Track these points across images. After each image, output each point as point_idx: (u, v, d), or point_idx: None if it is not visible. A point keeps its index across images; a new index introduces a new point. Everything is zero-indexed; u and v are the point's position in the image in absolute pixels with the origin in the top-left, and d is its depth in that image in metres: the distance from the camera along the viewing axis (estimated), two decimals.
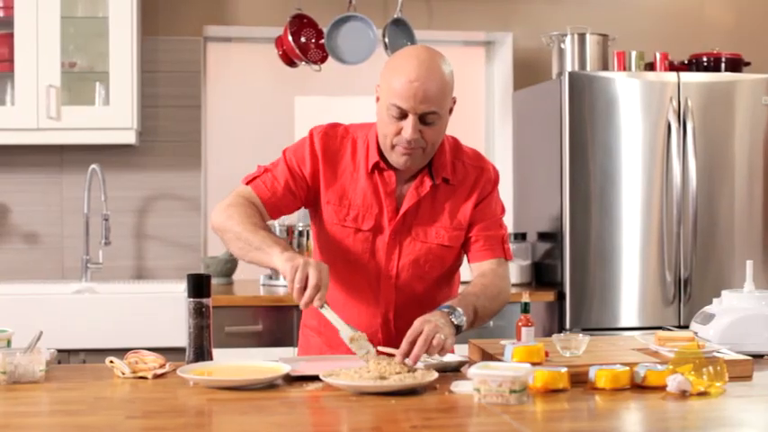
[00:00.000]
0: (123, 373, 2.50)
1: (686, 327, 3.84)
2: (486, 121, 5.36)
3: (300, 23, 4.69)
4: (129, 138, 4.52)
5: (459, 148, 2.78)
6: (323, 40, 4.66)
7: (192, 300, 2.59)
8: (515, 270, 4.62)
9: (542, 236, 4.64)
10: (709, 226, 4.43)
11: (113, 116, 4.50)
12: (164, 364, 2.57)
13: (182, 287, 4.44)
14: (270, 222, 2.93)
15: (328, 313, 2.49)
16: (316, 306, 2.44)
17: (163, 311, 4.15)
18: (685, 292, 4.38)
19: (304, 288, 2.42)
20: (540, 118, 4.63)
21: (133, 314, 4.15)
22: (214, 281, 4.59)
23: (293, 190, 2.71)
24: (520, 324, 2.58)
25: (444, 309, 2.50)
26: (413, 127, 2.55)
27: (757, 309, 2.77)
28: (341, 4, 4.76)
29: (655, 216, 4.38)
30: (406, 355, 2.38)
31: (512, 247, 4.55)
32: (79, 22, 4.58)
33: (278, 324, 4.27)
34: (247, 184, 2.73)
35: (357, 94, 5.50)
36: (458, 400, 2.24)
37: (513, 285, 4.57)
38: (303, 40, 4.70)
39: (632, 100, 4.36)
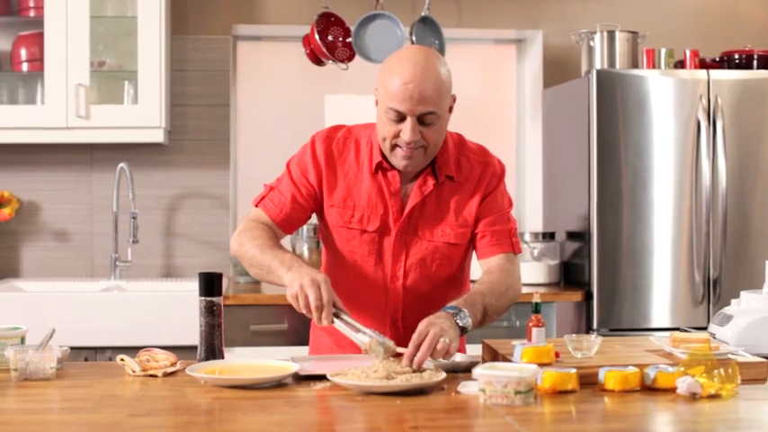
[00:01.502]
0: (134, 372, 2.52)
1: None
2: (517, 119, 5.33)
3: (328, 22, 4.68)
4: (158, 136, 4.55)
5: (464, 145, 2.76)
6: (350, 39, 4.65)
7: (203, 298, 2.60)
8: (543, 270, 4.59)
9: (571, 235, 4.61)
10: (739, 225, 4.37)
11: (142, 115, 4.52)
12: (175, 363, 2.59)
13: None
14: None
15: (340, 327, 2.48)
16: (325, 325, 2.45)
17: (189, 310, 4.12)
18: (714, 292, 4.33)
19: (310, 310, 2.43)
20: (569, 116, 4.60)
21: (160, 312, 4.16)
22: (241, 279, 4.63)
23: (301, 202, 2.73)
24: (530, 324, 2.55)
25: (450, 310, 2.48)
26: (412, 129, 2.54)
27: None
28: (368, 3, 4.75)
29: (684, 215, 4.33)
30: (412, 358, 2.36)
31: (540, 246, 4.62)
32: (108, 21, 4.61)
33: (304, 323, 4.25)
34: (256, 205, 2.76)
35: None
36: (464, 401, 2.22)
37: (540, 285, 4.55)
38: (330, 38, 4.69)
39: (661, 98, 4.31)
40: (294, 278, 2.47)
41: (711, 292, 4.33)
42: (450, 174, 2.69)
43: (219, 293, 2.61)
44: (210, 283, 2.60)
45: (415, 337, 2.38)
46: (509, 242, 2.73)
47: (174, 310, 4.16)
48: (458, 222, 2.69)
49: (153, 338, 3.86)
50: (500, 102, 5.36)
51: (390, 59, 2.61)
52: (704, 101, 4.30)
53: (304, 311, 2.45)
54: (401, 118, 2.54)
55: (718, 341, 2.69)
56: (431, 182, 2.68)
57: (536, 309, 2.57)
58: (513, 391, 2.16)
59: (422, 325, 2.39)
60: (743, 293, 2.81)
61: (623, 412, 2.17)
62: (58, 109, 4.47)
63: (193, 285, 4.54)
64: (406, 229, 2.69)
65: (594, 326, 4.31)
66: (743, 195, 4.37)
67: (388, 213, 2.68)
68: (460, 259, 2.75)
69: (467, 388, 2.29)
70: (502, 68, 5.34)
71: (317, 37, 4.55)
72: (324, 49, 4.58)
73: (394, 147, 2.60)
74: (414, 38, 4.62)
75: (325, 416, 2.12)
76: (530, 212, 5.20)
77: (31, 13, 4.58)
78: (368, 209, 2.69)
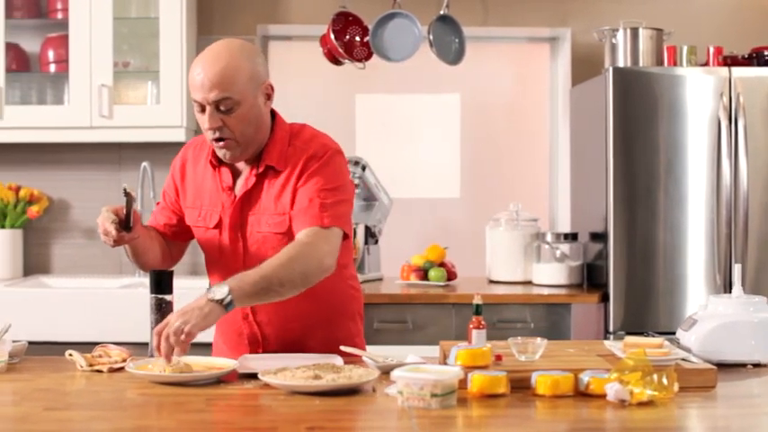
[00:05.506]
0: (81, 367, 2.55)
1: None
2: (550, 117, 5.25)
3: (346, 21, 4.68)
4: (179, 136, 4.60)
5: (298, 135, 2.74)
6: (368, 38, 4.63)
7: (153, 296, 2.63)
8: (564, 271, 4.51)
9: (593, 236, 4.52)
10: (761, 227, 4.23)
11: (164, 114, 4.58)
12: (126, 359, 2.61)
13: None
14: None
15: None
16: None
17: None
18: None
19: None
20: (591, 115, 4.51)
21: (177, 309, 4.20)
22: None
23: (169, 213, 2.88)
24: (471, 326, 2.50)
25: (206, 290, 2.49)
26: (209, 116, 2.59)
27: (742, 315, 2.62)
28: (386, 1, 4.73)
29: (704, 217, 4.21)
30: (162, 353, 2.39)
31: (564, 247, 4.53)
32: (132, 22, 4.68)
33: (429, 320, 4.26)
34: None
35: (418, 91, 5.48)
36: (382, 403, 2.20)
37: (562, 286, 4.47)
38: (348, 37, 4.69)
39: (680, 96, 4.20)
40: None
41: None
42: (271, 164, 2.69)
43: (170, 291, 2.63)
44: (160, 281, 2.63)
45: (157, 329, 2.41)
46: (314, 216, 2.63)
47: None
48: (277, 211, 2.69)
49: None
50: (534, 101, 5.30)
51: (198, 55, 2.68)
52: (725, 99, 4.18)
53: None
54: (202, 108, 2.60)
55: (678, 346, 2.62)
56: (253, 173, 2.70)
57: (477, 310, 2.51)
58: (429, 393, 2.13)
59: (167, 319, 2.43)
60: (710, 297, 2.71)
61: (539, 417, 2.13)
62: (82, 109, 4.56)
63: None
64: (239, 221, 2.72)
65: (611, 328, 4.22)
66: (765, 196, 4.23)
67: (223, 208, 2.73)
68: None
69: (394, 390, 2.27)
70: (535, 67, 5.27)
71: (332, 36, 4.55)
72: (340, 49, 4.57)
73: (212, 140, 2.65)
74: (431, 36, 4.58)
75: (232, 415, 2.12)
76: (561, 212, 5.13)
77: (59, 15, 4.68)
78: (209, 206, 2.76)
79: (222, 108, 2.58)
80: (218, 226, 2.74)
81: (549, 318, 4.30)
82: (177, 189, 2.84)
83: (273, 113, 2.76)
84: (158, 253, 2.86)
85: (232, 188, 2.73)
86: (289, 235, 2.68)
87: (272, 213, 2.69)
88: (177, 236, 2.89)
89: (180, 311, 2.41)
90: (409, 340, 4.18)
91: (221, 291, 2.44)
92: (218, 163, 2.74)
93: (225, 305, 2.43)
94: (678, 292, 4.23)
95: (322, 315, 2.77)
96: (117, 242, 2.63)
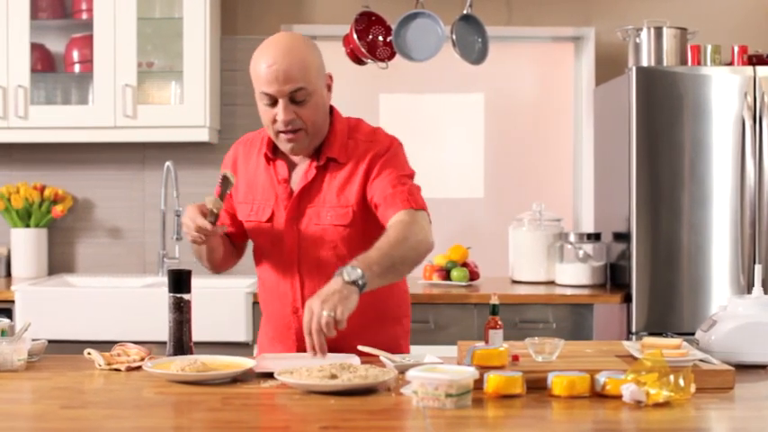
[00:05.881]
0: (99, 365, 2.56)
1: None
2: (574, 117, 5.23)
3: (369, 21, 4.67)
4: (202, 135, 4.62)
5: (357, 128, 2.76)
6: (390, 38, 4.63)
7: (171, 295, 2.64)
8: (587, 271, 4.49)
9: (616, 236, 4.50)
10: None
11: (187, 114, 4.61)
12: (144, 358, 2.62)
13: (248, 282, 4.51)
14: None
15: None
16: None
17: (227, 306, 4.23)
18: None
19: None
20: (615, 115, 4.49)
21: (197, 309, 4.21)
22: None
23: (231, 213, 2.87)
24: (488, 327, 2.50)
25: (336, 274, 2.41)
26: (284, 109, 2.59)
27: (762, 316, 2.59)
28: (409, 1, 4.72)
29: (727, 217, 4.18)
30: (313, 347, 2.32)
31: (587, 247, 4.51)
32: (156, 22, 4.71)
33: (451, 320, 4.26)
34: None
35: (442, 91, 5.47)
36: (397, 403, 2.20)
37: (585, 287, 4.45)
38: (371, 37, 4.69)
39: (704, 96, 4.17)
40: None
41: None
42: (332, 156, 2.69)
43: (188, 290, 2.64)
44: (179, 280, 2.64)
45: (304, 324, 2.33)
46: (405, 200, 2.62)
47: (213, 307, 4.22)
48: (339, 203, 2.68)
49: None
50: (558, 100, 5.28)
51: (257, 50, 2.67)
52: (749, 99, 4.15)
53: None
54: (273, 101, 2.60)
55: (697, 347, 2.60)
56: (314, 165, 2.69)
57: (494, 311, 2.51)
58: (443, 393, 2.13)
59: (305, 312, 2.34)
60: (730, 298, 2.69)
61: (554, 418, 2.12)
62: (107, 109, 4.59)
63: (235, 282, 4.61)
64: (295, 214, 2.71)
65: (633, 329, 4.20)
66: None
67: (278, 202, 2.73)
68: (356, 242, 2.67)
69: (409, 390, 2.26)
70: (559, 66, 5.25)
71: (355, 36, 4.55)
72: (363, 49, 4.57)
73: (277, 133, 2.65)
74: (454, 36, 4.57)
75: (246, 414, 2.12)
76: (585, 212, 5.10)
77: (83, 16, 4.71)
78: (262, 200, 2.76)
79: (297, 99, 2.59)
80: (271, 219, 2.74)
81: (572, 318, 4.29)
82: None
83: (331, 107, 2.77)
84: (225, 251, 2.88)
85: (288, 180, 2.73)
86: (350, 228, 2.67)
87: (335, 206, 2.68)
88: (236, 236, 2.89)
89: (318, 301, 2.32)
90: (431, 340, 4.17)
91: (355, 272, 2.37)
92: (273, 156, 2.74)
93: (360, 286, 2.38)
94: (702, 292, 4.20)
95: (371, 316, 2.73)
96: (208, 237, 2.63)
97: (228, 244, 2.88)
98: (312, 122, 2.63)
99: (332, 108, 2.77)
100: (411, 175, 2.72)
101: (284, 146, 2.67)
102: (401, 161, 2.73)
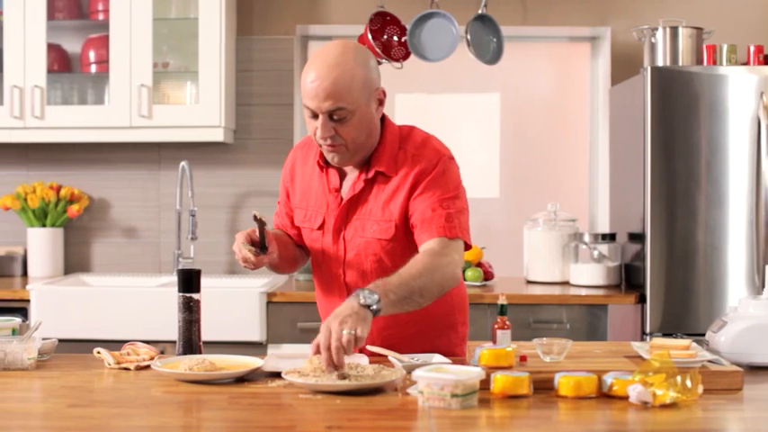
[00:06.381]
0: (109, 364, 2.58)
1: None
2: (590, 117, 5.22)
3: (383, 21, 4.68)
4: (217, 136, 4.63)
5: (407, 138, 2.71)
6: (405, 38, 4.63)
7: (181, 294, 2.64)
8: (602, 271, 4.47)
9: (631, 236, 4.48)
10: None
11: (203, 114, 4.62)
12: (153, 357, 2.63)
13: (262, 281, 4.52)
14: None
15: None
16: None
17: (241, 306, 4.23)
18: None
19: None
20: (630, 114, 4.47)
21: (211, 308, 4.23)
22: (301, 277, 4.65)
23: (291, 214, 2.88)
24: (496, 327, 2.49)
25: (353, 295, 2.40)
26: (322, 125, 2.56)
27: None
28: (424, 1, 4.72)
29: (743, 218, 4.16)
30: (330, 362, 2.27)
31: (601, 248, 4.50)
32: (172, 23, 4.72)
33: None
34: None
35: (458, 91, 5.47)
36: (404, 403, 2.20)
37: (599, 287, 4.44)
38: (386, 37, 4.69)
39: (719, 96, 4.15)
40: None
41: None
42: (380, 169, 2.66)
43: (198, 290, 2.65)
44: (189, 280, 2.65)
45: (321, 342, 2.29)
46: (441, 227, 2.60)
47: (227, 307, 4.23)
48: (383, 217, 2.66)
49: (204, 334, 3.94)
50: (574, 100, 5.27)
51: (309, 59, 2.63)
52: (765, 98, 4.12)
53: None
54: (315, 115, 2.57)
55: (707, 348, 2.59)
56: (362, 178, 2.68)
57: (502, 311, 2.50)
58: (449, 394, 2.13)
59: (322, 327, 2.31)
60: (741, 299, 2.68)
61: (560, 419, 2.11)
62: (123, 109, 4.61)
63: (249, 282, 4.63)
64: (342, 225, 2.71)
65: (648, 329, 4.18)
66: None
67: (328, 211, 2.72)
68: (399, 256, 2.66)
69: (416, 390, 2.26)
70: (575, 66, 5.24)
71: (369, 37, 4.55)
72: (377, 49, 4.57)
73: (320, 144, 2.63)
74: (469, 36, 4.57)
75: (252, 413, 2.12)
76: (601, 213, 5.09)
77: (100, 17, 4.73)
78: (315, 207, 2.76)
79: (336, 117, 2.55)
80: (322, 227, 2.74)
81: (586, 319, 4.28)
82: (288, 190, 2.86)
83: (383, 116, 2.72)
84: (294, 256, 2.89)
85: (339, 190, 2.72)
86: (393, 242, 2.66)
87: (379, 219, 2.67)
88: (300, 239, 2.89)
89: (337, 320, 2.29)
90: None
91: (372, 297, 2.36)
92: (325, 164, 2.72)
93: (374, 311, 2.36)
94: (717, 293, 4.18)
95: (422, 326, 2.73)
96: (257, 265, 2.63)
97: (293, 247, 2.88)
98: (352, 139, 2.58)
99: (384, 117, 2.72)
100: (455, 197, 2.66)
101: (328, 156, 2.66)
102: (447, 180, 2.66)
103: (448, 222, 2.61)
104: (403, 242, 2.68)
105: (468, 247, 2.68)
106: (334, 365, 2.26)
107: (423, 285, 2.48)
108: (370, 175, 2.67)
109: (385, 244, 2.67)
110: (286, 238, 2.88)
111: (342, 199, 2.70)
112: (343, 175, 2.73)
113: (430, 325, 2.76)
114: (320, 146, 2.64)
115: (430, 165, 2.65)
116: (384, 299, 2.38)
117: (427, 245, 2.58)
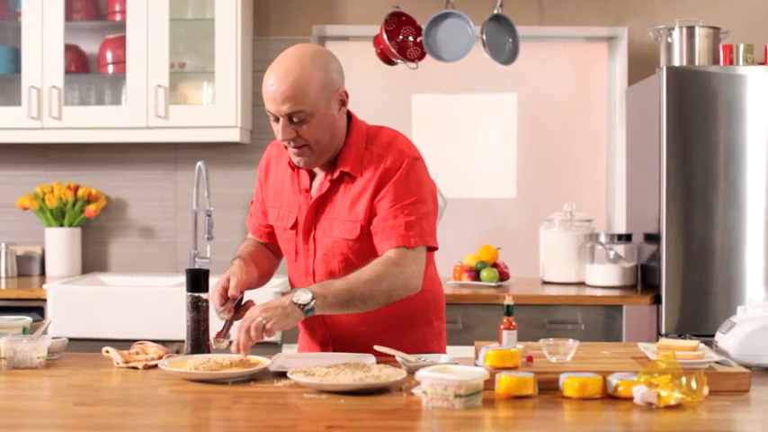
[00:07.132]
0: (117, 363, 2.59)
1: None
2: (607, 117, 5.20)
3: (399, 21, 4.68)
4: (234, 136, 4.65)
5: (374, 138, 2.71)
6: (421, 38, 4.63)
7: (189, 294, 2.66)
8: (618, 272, 4.46)
9: (647, 237, 4.46)
10: None
11: (219, 115, 4.64)
12: (162, 356, 2.65)
13: (278, 281, 4.53)
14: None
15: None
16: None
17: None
18: None
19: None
20: (647, 114, 4.45)
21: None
22: None
23: (263, 218, 2.91)
24: (502, 327, 2.49)
25: (291, 290, 2.54)
26: (283, 128, 2.60)
27: None
28: (440, 1, 4.72)
29: (761, 218, 4.13)
30: (239, 344, 2.45)
31: (618, 248, 4.48)
32: (189, 23, 4.74)
33: (479, 321, 4.26)
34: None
35: (475, 91, 5.46)
36: (407, 403, 2.20)
37: (615, 288, 4.42)
38: (401, 37, 4.69)
39: (737, 95, 4.13)
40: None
41: None
42: (345, 169, 2.68)
43: (206, 289, 2.66)
44: (197, 280, 2.66)
45: (240, 323, 2.46)
46: (400, 236, 2.62)
47: None
48: (349, 217, 2.68)
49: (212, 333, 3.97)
50: (591, 100, 5.25)
51: (272, 62, 2.66)
52: None
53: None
54: (276, 118, 2.61)
55: (716, 349, 2.58)
56: (328, 178, 2.70)
57: (508, 311, 2.50)
58: (452, 394, 2.13)
59: (247, 313, 2.48)
60: (750, 300, 2.67)
61: (564, 420, 2.11)
62: (139, 109, 4.63)
63: (269, 281, 4.62)
64: (311, 225, 2.73)
65: (663, 330, 4.16)
66: None
67: (299, 210, 2.74)
68: (365, 256, 2.67)
69: (419, 390, 2.26)
70: (592, 66, 5.22)
71: (385, 37, 4.56)
72: (393, 49, 4.57)
73: (286, 146, 2.66)
74: (485, 36, 4.56)
75: (256, 412, 2.13)
76: (617, 213, 5.07)
77: (117, 17, 4.76)
78: (287, 207, 2.78)
79: (295, 120, 2.58)
80: (295, 227, 2.76)
81: (601, 319, 4.26)
82: (262, 188, 2.89)
83: (350, 116, 2.74)
84: (268, 268, 2.94)
85: (309, 190, 2.74)
86: (359, 242, 2.67)
87: (345, 219, 2.68)
88: (272, 236, 2.91)
89: (263, 307, 2.47)
90: (458, 341, 4.14)
91: (305, 296, 2.48)
92: (296, 165, 2.74)
93: (306, 310, 2.48)
94: (733, 294, 4.15)
95: (393, 322, 2.75)
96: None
97: (265, 259, 2.92)
98: (315, 140, 2.61)
99: (351, 117, 2.74)
100: (417, 200, 2.66)
101: (294, 160, 2.69)
102: (410, 182, 2.66)
103: (407, 231, 2.63)
104: (369, 242, 2.68)
105: (433, 248, 2.72)
106: (238, 347, 2.42)
107: (367, 292, 2.56)
108: (336, 175, 2.69)
109: (351, 244, 2.68)
110: (256, 253, 2.90)
111: (311, 199, 2.72)
112: (313, 176, 2.76)
113: (403, 321, 2.78)
114: (286, 148, 2.67)
115: (394, 166, 2.65)
116: (321, 299, 2.49)
117: (387, 253, 2.63)
